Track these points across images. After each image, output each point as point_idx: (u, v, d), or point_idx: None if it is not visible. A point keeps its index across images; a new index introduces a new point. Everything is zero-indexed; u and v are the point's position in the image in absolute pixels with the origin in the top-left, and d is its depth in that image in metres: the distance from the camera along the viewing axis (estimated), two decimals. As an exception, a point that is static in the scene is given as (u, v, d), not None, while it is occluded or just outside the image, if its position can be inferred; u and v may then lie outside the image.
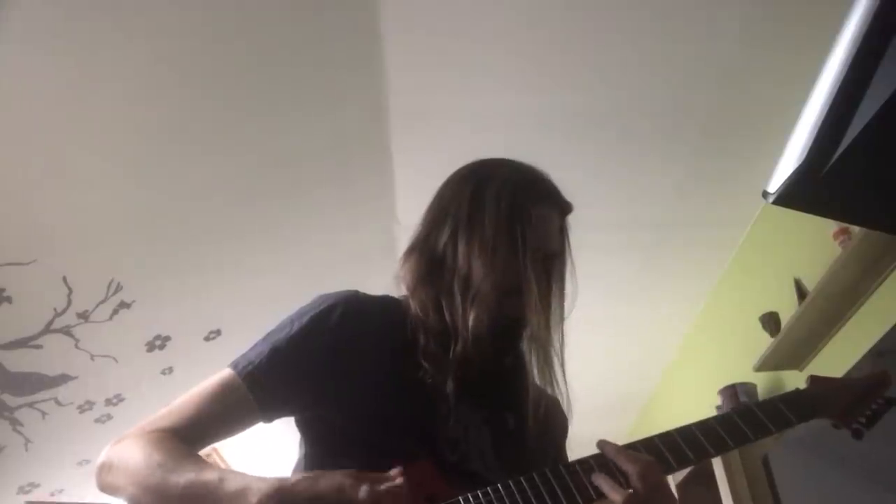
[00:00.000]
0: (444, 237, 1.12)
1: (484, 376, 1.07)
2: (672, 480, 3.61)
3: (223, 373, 1.04)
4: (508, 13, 2.44)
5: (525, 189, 1.13)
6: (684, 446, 1.00)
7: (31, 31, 2.11)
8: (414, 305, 1.10)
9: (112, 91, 2.38)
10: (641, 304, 3.94)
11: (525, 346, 1.10)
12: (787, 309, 2.85)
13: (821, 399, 1.15)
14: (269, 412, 1.04)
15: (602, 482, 0.93)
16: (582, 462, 0.98)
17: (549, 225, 1.13)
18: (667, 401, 4.54)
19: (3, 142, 2.36)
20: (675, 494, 3.27)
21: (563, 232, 1.16)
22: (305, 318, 1.07)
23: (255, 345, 1.07)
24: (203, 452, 1.02)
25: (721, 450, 1.03)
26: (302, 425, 1.10)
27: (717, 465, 3.02)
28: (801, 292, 2.78)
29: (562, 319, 1.14)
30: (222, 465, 4.51)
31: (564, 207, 1.18)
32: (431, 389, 1.03)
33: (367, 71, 2.64)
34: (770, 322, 2.99)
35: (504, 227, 1.08)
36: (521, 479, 0.94)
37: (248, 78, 2.53)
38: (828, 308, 2.61)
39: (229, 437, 1.05)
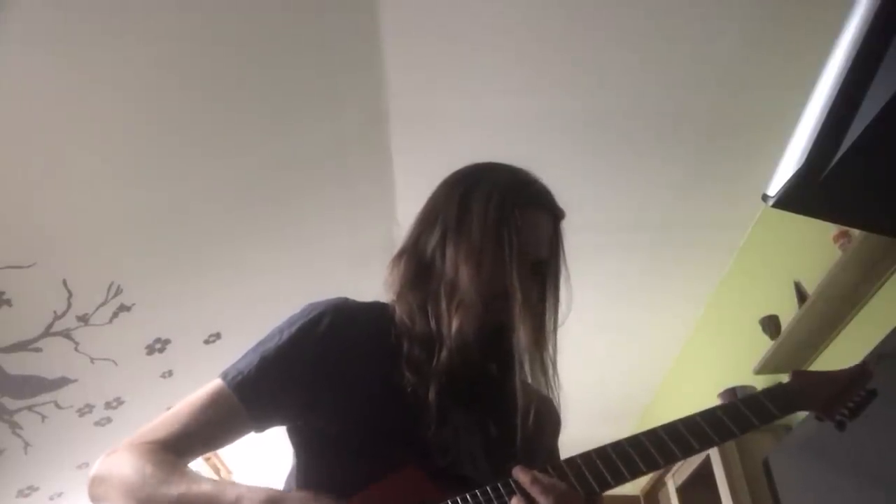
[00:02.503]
0: (432, 242, 1.11)
1: (470, 382, 1.07)
2: (672, 483, 3.61)
3: (213, 383, 1.05)
4: (508, 15, 2.45)
5: (515, 193, 1.11)
6: (658, 446, 1.01)
7: (31, 33, 2.11)
8: (399, 311, 1.10)
9: (112, 94, 2.38)
10: (641, 307, 3.94)
11: (514, 352, 1.08)
12: (788, 312, 2.85)
13: (803, 392, 1.17)
14: (259, 421, 1.05)
15: None
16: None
17: (539, 230, 1.12)
18: (667, 403, 4.54)
19: (3, 144, 2.36)
20: (675, 498, 3.23)
21: (555, 237, 1.15)
22: (294, 328, 1.07)
23: (245, 354, 1.07)
24: (203, 457, 1.03)
25: (706, 445, 1.04)
26: (293, 434, 1.10)
27: (718, 467, 3.02)
28: (801, 295, 2.78)
29: (555, 325, 1.13)
30: (223, 470, 4.51)
31: (557, 213, 1.16)
32: (420, 396, 1.03)
33: (366, 73, 2.65)
34: (770, 325, 2.99)
35: (491, 231, 1.07)
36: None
37: (248, 80, 2.53)
38: (828, 311, 2.61)
39: (221, 446, 1.05)
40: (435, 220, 1.13)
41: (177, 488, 0.92)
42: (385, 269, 1.17)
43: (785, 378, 3.06)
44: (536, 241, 1.11)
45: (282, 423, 1.08)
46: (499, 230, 1.06)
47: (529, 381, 1.09)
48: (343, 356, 1.05)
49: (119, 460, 0.98)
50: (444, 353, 1.04)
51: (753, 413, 1.09)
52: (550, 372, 1.11)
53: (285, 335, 1.07)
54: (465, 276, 1.06)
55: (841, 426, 1.17)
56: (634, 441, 1.01)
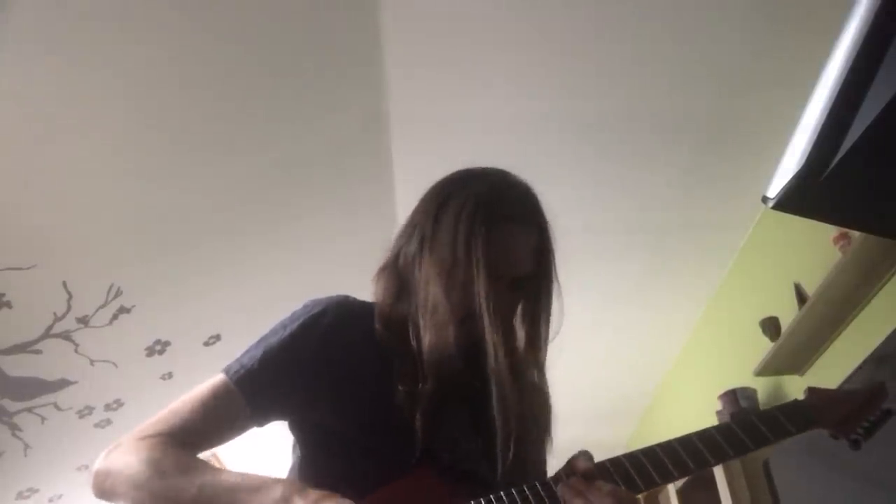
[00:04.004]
0: (410, 255, 1.10)
1: (458, 392, 1.06)
2: (672, 486, 3.61)
3: (216, 378, 1.04)
4: (508, 18, 2.45)
5: (486, 208, 1.05)
6: (672, 459, 1.00)
7: (31, 34, 2.11)
8: (378, 325, 1.08)
9: (112, 96, 2.38)
10: (642, 308, 3.94)
11: (490, 371, 1.04)
12: (788, 314, 2.85)
13: (819, 410, 1.15)
14: (261, 416, 1.04)
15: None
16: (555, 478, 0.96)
17: (514, 245, 1.06)
18: (668, 405, 4.54)
19: (2, 146, 2.36)
20: (676, 500, 3.21)
21: (542, 250, 1.09)
22: (296, 323, 1.07)
23: (248, 350, 1.07)
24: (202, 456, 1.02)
25: (721, 459, 1.03)
26: (295, 429, 1.10)
27: (718, 469, 3.01)
28: (801, 297, 2.78)
29: (543, 341, 1.10)
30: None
31: (540, 225, 1.10)
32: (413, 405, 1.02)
33: (367, 75, 2.65)
34: (770, 327, 2.99)
35: (461, 248, 1.03)
36: (502, 493, 0.94)
37: (249, 83, 2.53)
38: (828, 313, 2.61)
39: (224, 441, 1.05)
40: (412, 233, 1.11)
41: (199, 478, 0.92)
42: (371, 282, 1.15)
43: (785, 380, 3.06)
44: (511, 257, 1.06)
45: (283, 419, 1.08)
46: (467, 247, 1.03)
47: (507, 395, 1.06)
48: (344, 353, 1.05)
49: (125, 454, 0.97)
50: (424, 372, 1.02)
51: (770, 430, 1.08)
52: (532, 385, 1.10)
53: (288, 330, 1.06)
54: (435, 294, 1.04)
55: (856, 445, 1.15)
56: (649, 452, 1.01)
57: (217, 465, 4.32)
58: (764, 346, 2.95)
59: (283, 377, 1.04)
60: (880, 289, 2.46)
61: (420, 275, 1.07)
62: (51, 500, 3.97)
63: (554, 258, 1.11)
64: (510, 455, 1.00)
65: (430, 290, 1.04)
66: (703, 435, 1.04)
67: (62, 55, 2.20)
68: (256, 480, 0.92)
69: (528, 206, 1.10)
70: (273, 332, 1.08)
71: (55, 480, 3.83)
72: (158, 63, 2.35)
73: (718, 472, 3.01)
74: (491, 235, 1.03)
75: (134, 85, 2.38)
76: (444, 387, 1.02)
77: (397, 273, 1.11)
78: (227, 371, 1.04)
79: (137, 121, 2.50)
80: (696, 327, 4.05)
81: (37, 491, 3.85)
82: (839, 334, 2.68)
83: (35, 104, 2.31)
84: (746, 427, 1.07)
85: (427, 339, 1.03)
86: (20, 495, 3.82)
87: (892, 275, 2.40)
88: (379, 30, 2.48)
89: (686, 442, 1.03)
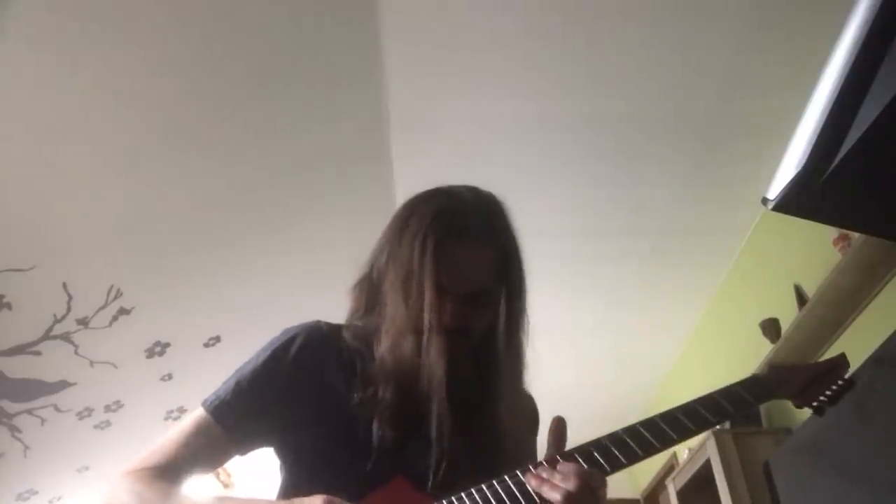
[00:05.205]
0: (379, 269, 1.13)
1: (426, 402, 1.06)
2: (672, 486, 3.60)
3: (196, 410, 1.09)
4: (508, 21, 2.45)
5: (442, 225, 1.07)
6: (636, 439, 1.03)
7: (33, 34, 2.12)
8: (350, 337, 1.13)
9: (114, 98, 2.38)
10: (642, 311, 3.94)
11: (431, 387, 1.05)
12: (788, 315, 2.85)
13: (780, 381, 1.20)
14: (240, 445, 1.08)
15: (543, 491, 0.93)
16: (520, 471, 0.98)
17: (465, 262, 1.07)
18: (668, 406, 4.53)
19: (2, 147, 2.37)
20: (675, 500, 3.20)
21: (503, 267, 1.10)
22: (268, 351, 1.11)
23: (225, 381, 1.11)
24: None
25: (683, 436, 1.07)
26: (278, 452, 1.13)
27: (718, 471, 3.01)
28: (802, 298, 2.78)
29: (517, 353, 1.12)
30: (222, 474, 4.50)
31: (499, 243, 1.11)
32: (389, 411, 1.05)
33: (367, 79, 2.65)
34: (770, 328, 2.99)
35: (415, 262, 1.05)
36: (473, 490, 0.95)
37: (249, 87, 2.54)
38: (828, 314, 2.61)
39: (210, 469, 1.10)
40: (383, 249, 1.14)
41: (180, 502, 0.98)
42: (346, 296, 1.18)
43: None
44: (460, 273, 1.07)
45: (264, 445, 1.11)
46: (420, 262, 1.05)
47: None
48: (316, 375, 1.08)
49: (117, 488, 1.03)
50: (382, 381, 1.05)
51: (730, 403, 1.13)
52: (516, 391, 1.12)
53: (260, 359, 1.10)
54: (394, 304, 1.07)
55: (819, 411, 1.19)
56: (614, 436, 1.03)
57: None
58: (764, 348, 2.95)
59: (256, 405, 1.08)
60: (880, 290, 2.47)
61: (386, 287, 1.10)
62: (50, 502, 3.97)
63: (518, 276, 1.12)
64: (441, 472, 1.01)
65: (390, 302, 1.08)
66: (665, 416, 1.09)
67: (63, 57, 2.21)
68: (233, 502, 0.96)
69: (485, 225, 1.10)
70: (247, 362, 1.12)
71: (55, 482, 3.83)
72: (158, 66, 2.35)
73: (718, 474, 3.00)
74: (440, 251, 1.05)
75: (136, 89, 2.38)
76: (402, 395, 1.04)
77: (371, 285, 1.15)
78: (204, 403, 1.09)
79: (138, 123, 2.50)
80: (696, 329, 4.05)
81: (36, 493, 3.85)
82: (839, 336, 2.68)
83: (35, 105, 2.31)
84: (708, 404, 1.13)
85: (382, 347, 1.07)
86: (20, 497, 3.82)
87: (892, 276, 2.40)
88: (378, 34, 2.48)
89: (649, 424, 1.07)
